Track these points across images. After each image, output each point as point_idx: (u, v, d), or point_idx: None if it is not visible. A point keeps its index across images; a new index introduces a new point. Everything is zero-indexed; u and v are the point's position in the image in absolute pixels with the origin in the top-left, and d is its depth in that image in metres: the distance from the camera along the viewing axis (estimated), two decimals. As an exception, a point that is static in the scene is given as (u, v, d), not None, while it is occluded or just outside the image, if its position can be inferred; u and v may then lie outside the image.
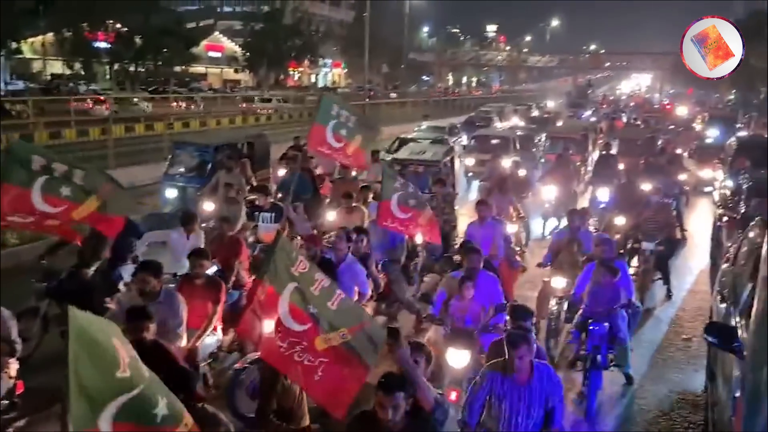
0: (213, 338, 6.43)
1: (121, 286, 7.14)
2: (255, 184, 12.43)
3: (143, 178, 16.15)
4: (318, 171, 13.26)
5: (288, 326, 4.39)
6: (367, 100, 40.04)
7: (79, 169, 5.94)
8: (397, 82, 74.40)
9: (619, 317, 6.85)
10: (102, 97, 33.91)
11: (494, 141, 18.68)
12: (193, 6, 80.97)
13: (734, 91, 72.73)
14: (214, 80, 68.88)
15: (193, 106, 36.63)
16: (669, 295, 10.19)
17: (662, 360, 8.08)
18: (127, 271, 7.30)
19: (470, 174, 16.21)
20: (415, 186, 8.77)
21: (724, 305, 6.63)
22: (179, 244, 7.71)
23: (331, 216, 10.07)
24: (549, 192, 13.29)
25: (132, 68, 50.07)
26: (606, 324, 6.75)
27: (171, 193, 13.12)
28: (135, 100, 36.98)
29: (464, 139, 24.07)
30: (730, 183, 14.04)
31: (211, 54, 69.61)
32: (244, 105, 39.24)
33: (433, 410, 4.19)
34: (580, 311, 6.99)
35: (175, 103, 37.51)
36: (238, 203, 9.68)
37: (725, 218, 11.85)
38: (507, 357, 4.44)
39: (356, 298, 6.79)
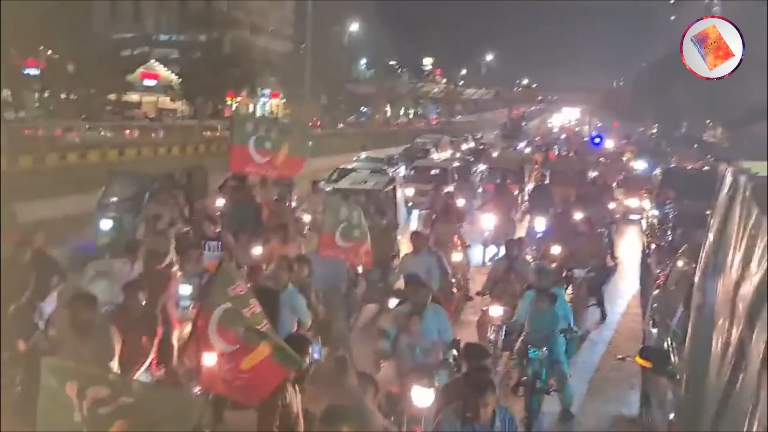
0: (147, 374, 6.26)
1: (40, 324, 6.88)
2: (187, 215, 12.23)
3: (77, 208, 15.64)
4: (258, 200, 13.17)
5: (215, 345, 4.84)
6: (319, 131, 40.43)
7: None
8: (336, 114, 74.94)
9: (558, 343, 7.05)
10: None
11: (433, 171, 19.14)
12: (127, 33, 79.66)
13: (657, 125, 76.52)
14: (149, 108, 67.56)
15: (153, 134, 36.24)
16: (603, 318, 10.54)
17: (600, 379, 8.37)
18: (49, 307, 7.10)
19: (410, 204, 16.46)
20: (360, 216, 8.81)
21: (656, 330, 6.90)
22: (122, 274, 7.52)
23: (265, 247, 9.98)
24: (488, 220, 13.61)
25: (63, 95, 48.61)
26: (545, 349, 6.93)
27: (106, 224, 12.78)
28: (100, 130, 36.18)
29: (402, 170, 24.43)
30: (657, 213, 14.72)
31: (147, 82, 68.39)
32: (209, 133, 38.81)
33: None
34: (521, 338, 7.15)
35: (128, 131, 36.99)
36: (165, 236, 9.37)
37: (653, 246, 12.39)
38: (466, 402, 4.36)
39: (296, 327, 6.77)
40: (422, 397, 5.73)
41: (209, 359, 5.16)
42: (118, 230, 12.44)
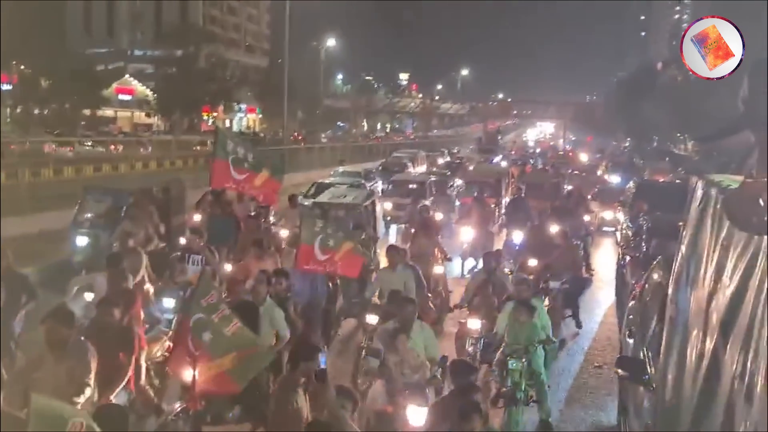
0: (125, 393, 6.17)
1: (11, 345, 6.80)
2: (163, 231, 12.10)
3: (52, 224, 15.38)
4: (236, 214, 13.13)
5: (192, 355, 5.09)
6: (303, 144, 40.44)
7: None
8: (313, 128, 75.07)
9: (537, 354, 7.14)
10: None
11: (411, 185, 19.28)
12: (102, 48, 79.09)
13: (629, 138, 77.81)
14: (124, 123, 67.09)
15: (142, 149, 36.04)
16: (578, 327, 10.71)
17: (578, 386, 8.56)
18: (18, 326, 7.03)
19: (389, 218, 16.54)
20: (337, 228, 8.83)
21: (632, 340, 7.01)
22: (104, 288, 7.46)
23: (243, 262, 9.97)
24: (467, 233, 13.73)
25: (36, 111, 48.06)
26: (524, 361, 7.01)
27: (82, 240, 12.52)
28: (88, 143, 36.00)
29: (380, 184, 24.53)
30: (631, 225, 14.97)
31: (122, 97, 67.94)
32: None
33: None
34: (501, 349, 7.22)
35: (113, 147, 36.81)
36: (137, 253, 9.12)
37: (628, 257, 12.59)
38: (453, 426, 4.41)
39: (274, 341, 6.81)
40: (417, 416, 5.69)
41: (188, 374, 5.20)
42: (93, 247, 12.16)
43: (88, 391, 5.39)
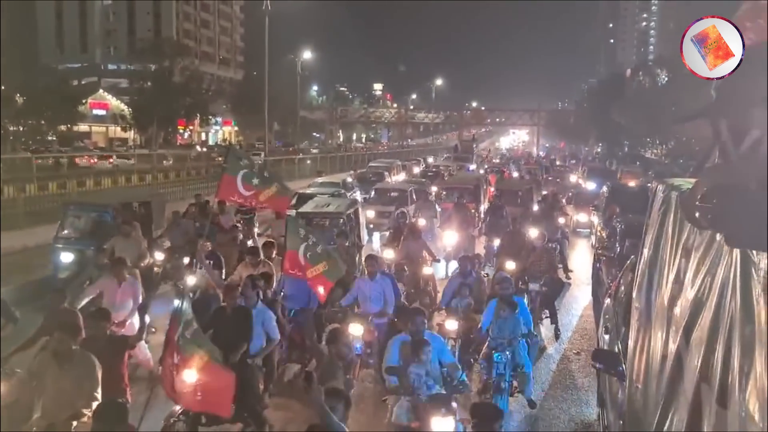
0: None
1: None
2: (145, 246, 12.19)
3: (35, 240, 15.45)
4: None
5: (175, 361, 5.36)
6: (293, 151, 40.52)
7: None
8: (289, 140, 75.28)
9: (520, 347, 7.57)
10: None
11: (393, 193, 19.68)
12: (74, 64, 78.62)
13: (601, 144, 79.21)
14: (99, 138, 66.67)
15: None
16: (557, 334, 10.87)
17: (559, 371, 9.11)
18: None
19: (371, 226, 16.86)
20: (320, 239, 9.10)
21: (608, 336, 7.40)
22: (111, 292, 7.73)
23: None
24: (449, 237, 14.16)
25: (12, 127, 47.67)
26: (508, 353, 7.44)
27: (66, 257, 12.18)
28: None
29: (358, 194, 24.83)
30: (605, 227, 15.52)
31: (96, 112, 67.50)
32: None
33: None
34: (486, 343, 7.64)
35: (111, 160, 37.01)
36: (126, 267, 8.78)
37: (603, 258, 13.08)
38: None
39: (264, 342, 7.16)
40: (442, 425, 5.61)
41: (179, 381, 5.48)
42: (77, 263, 11.81)
43: (94, 405, 5.40)
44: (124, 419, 4.74)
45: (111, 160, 38.97)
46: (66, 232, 12.85)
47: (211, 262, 9.64)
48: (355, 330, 8.11)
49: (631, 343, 3.77)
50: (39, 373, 5.55)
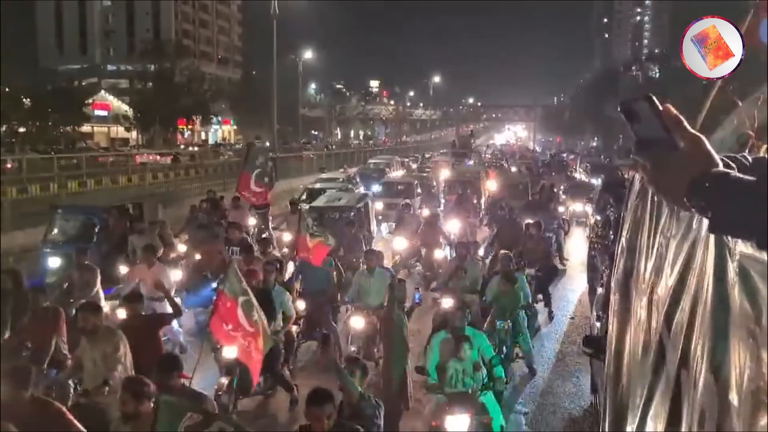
0: None
1: None
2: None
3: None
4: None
5: (243, 324, 6.22)
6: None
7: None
8: (289, 138, 76.04)
9: (520, 317, 8.54)
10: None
11: (399, 186, 20.74)
12: (74, 65, 79.24)
13: (596, 138, 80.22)
14: (101, 139, 67.34)
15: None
16: (551, 317, 11.55)
17: (556, 358, 9.72)
18: None
19: (380, 217, 17.71)
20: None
21: (599, 323, 7.80)
22: (143, 277, 8.69)
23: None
24: (453, 225, 15.13)
25: (21, 129, 48.50)
26: (509, 322, 8.37)
27: (54, 261, 11.50)
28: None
29: (362, 188, 25.70)
30: (598, 216, 16.37)
31: (98, 113, 68.19)
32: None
33: (358, 403, 4.85)
34: (491, 314, 8.55)
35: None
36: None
37: (598, 246, 13.83)
38: None
39: (281, 322, 8.03)
40: (457, 423, 5.78)
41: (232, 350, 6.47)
42: (68, 268, 10.76)
43: (120, 368, 5.96)
44: (180, 367, 5.41)
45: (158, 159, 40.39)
46: (54, 235, 12.39)
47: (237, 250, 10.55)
48: (356, 323, 8.43)
49: (611, 331, 3.65)
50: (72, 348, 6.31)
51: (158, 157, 39.84)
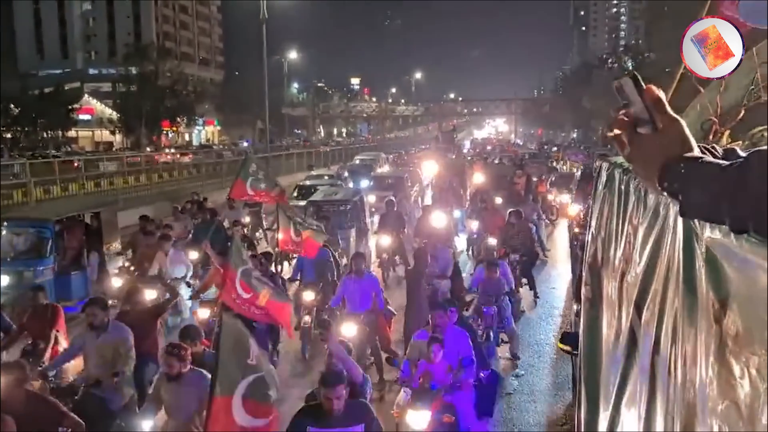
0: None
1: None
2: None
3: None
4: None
5: (240, 293, 6.50)
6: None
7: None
8: (272, 137, 76.42)
9: (505, 302, 9.23)
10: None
11: (390, 180, 21.51)
12: (56, 70, 78.99)
13: (576, 130, 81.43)
14: (85, 143, 67.40)
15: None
16: (536, 297, 12.36)
17: (539, 352, 9.92)
18: None
19: (373, 210, 18.47)
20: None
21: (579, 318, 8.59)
22: (162, 262, 9.54)
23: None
24: (439, 219, 15.94)
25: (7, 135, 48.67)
26: (494, 308, 9.02)
27: (3, 279, 10.49)
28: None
29: (351, 184, 26.42)
30: (579, 206, 17.22)
31: (82, 116, 68.19)
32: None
33: (362, 384, 5.18)
34: (476, 300, 9.30)
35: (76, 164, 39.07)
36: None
37: (580, 237, 14.59)
38: None
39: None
40: (417, 420, 5.91)
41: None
42: (17, 287, 10.29)
43: (131, 363, 6.43)
44: (201, 336, 6.22)
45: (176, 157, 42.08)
46: (2, 250, 11.09)
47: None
48: (348, 331, 8.03)
49: (581, 323, 3.75)
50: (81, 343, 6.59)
51: (177, 156, 42.72)
